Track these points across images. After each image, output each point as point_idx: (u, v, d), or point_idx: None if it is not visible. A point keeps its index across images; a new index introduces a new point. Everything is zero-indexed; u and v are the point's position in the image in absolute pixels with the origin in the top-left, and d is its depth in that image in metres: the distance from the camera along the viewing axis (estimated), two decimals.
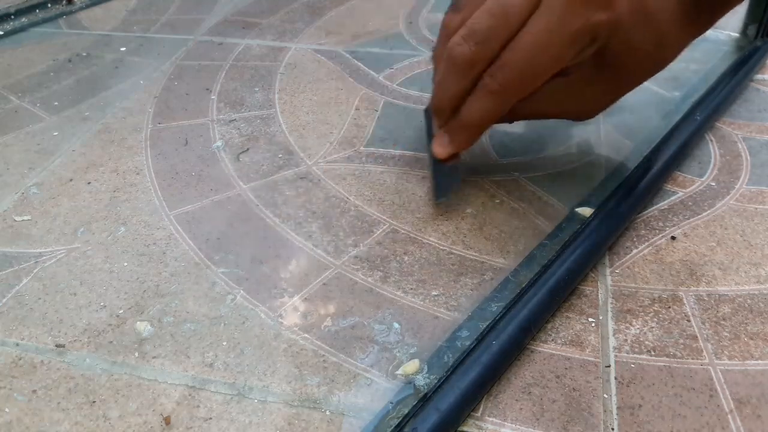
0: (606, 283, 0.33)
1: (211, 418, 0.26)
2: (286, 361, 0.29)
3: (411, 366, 0.28)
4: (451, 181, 0.38)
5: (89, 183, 0.42)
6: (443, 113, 0.35)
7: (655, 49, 0.34)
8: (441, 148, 0.36)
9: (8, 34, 0.65)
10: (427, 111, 0.44)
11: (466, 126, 0.35)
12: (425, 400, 0.26)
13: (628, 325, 0.31)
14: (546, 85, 0.33)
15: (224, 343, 0.30)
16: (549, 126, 0.46)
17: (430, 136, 0.40)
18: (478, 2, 0.32)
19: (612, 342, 0.30)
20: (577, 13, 0.30)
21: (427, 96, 0.47)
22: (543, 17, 0.30)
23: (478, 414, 0.27)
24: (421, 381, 0.27)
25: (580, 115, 0.38)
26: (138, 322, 0.31)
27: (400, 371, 0.28)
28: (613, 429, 0.26)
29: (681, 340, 0.30)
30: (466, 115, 0.34)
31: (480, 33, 0.31)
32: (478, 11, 0.32)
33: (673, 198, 0.39)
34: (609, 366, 0.29)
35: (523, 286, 0.31)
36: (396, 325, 0.31)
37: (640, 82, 0.36)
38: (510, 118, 0.37)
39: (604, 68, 0.34)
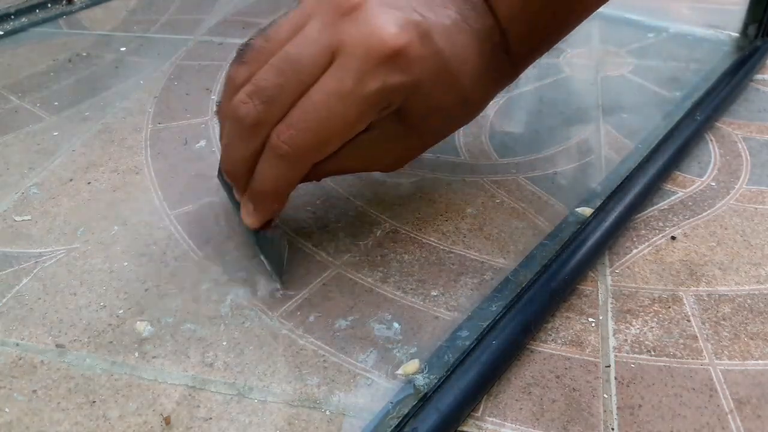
0: (606, 283, 0.33)
1: (211, 418, 0.26)
2: (286, 361, 0.29)
3: (411, 366, 0.28)
4: (279, 253, 0.33)
5: (89, 183, 0.42)
6: (239, 179, 0.32)
7: (458, 107, 0.33)
8: (250, 217, 0.32)
9: (8, 34, 0.65)
10: (219, 174, 0.38)
11: (262, 193, 0.31)
12: (425, 400, 0.26)
13: (628, 325, 0.31)
14: (348, 143, 0.31)
15: (224, 343, 0.30)
16: (549, 126, 0.46)
17: (235, 203, 0.35)
18: (266, 55, 0.29)
19: (612, 342, 0.30)
20: (372, 75, 0.28)
21: None
22: (335, 77, 0.28)
23: (478, 414, 0.27)
24: (421, 381, 0.27)
25: (387, 168, 0.35)
26: (138, 322, 0.31)
27: (400, 371, 0.28)
28: (613, 429, 0.26)
29: (681, 340, 0.30)
30: (259, 182, 0.30)
31: (267, 90, 0.28)
32: (265, 66, 0.29)
33: (673, 198, 0.39)
34: (609, 366, 0.29)
35: (523, 286, 0.31)
36: (396, 325, 0.31)
37: (446, 136, 0.35)
38: (312, 178, 0.33)
39: (407, 126, 0.32)
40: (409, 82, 0.29)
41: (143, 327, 0.31)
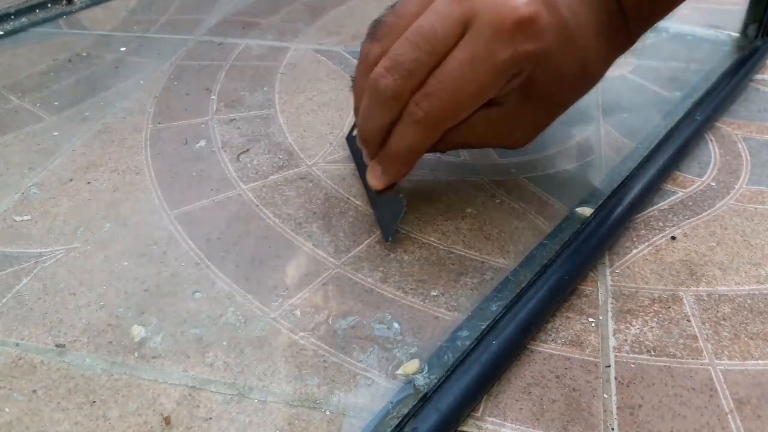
0: (606, 283, 0.33)
1: (211, 418, 0.26)
2: (286, 361, 0.29)
3: (411, 366, 0.28)
4: (394, 214, 0.35)
5: (89, 183, 0.42)
6: (372, 145, 0.34)
7: (581, 75, 0.34)
8: (376, 179, 0.35)
9: (8, 34, 0.65)
10: (349, 139, 0.44)
11: (395, 156, 0.33)
12: (425, 400, 0.26)
13: (628, 325, 0.31)
14: (475, 116, 0.33)
15: (224, 343, 0.30)
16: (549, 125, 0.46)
17: (360, 166, 0.39)
18: (398, 31, 0.31)
19: (612, 342, 0.30)
20: (505, 43, 0.29)
21: None
22: (469, 46, 0.30)
23: (478, 414, 0.27)
24: (421, 381, 0.27)
25: (515, 143, 0.37)
26: (137, 322, 0.31)
27: (400, 371, 0.28)
28: (613, 429, 0.26)
29: (681, 340, 0.30)
30: (394, 145, 0.33)
31: (404, 65, 0.30)
32: (399, 41, 0.31)
33: (673, 198, 0.39)
34: (609, 366, 0.29)
35: (523, 286, 0.31)
36: (396, 325, 0.31)
37: (568, 107, 0.36)
38: (441, 148, 0.36)
39: (533, 98, 0.34)
40: (537, 50, 0.30)
41: (143, 327, 0.31)
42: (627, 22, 0.34)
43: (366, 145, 0.35)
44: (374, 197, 0.37)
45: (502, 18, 0.29)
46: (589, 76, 0.35)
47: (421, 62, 0.30)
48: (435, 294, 0.32)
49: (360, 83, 0.33)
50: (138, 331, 0.31)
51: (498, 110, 0.34)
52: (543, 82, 0.33)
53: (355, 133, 0.38)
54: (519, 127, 0.35)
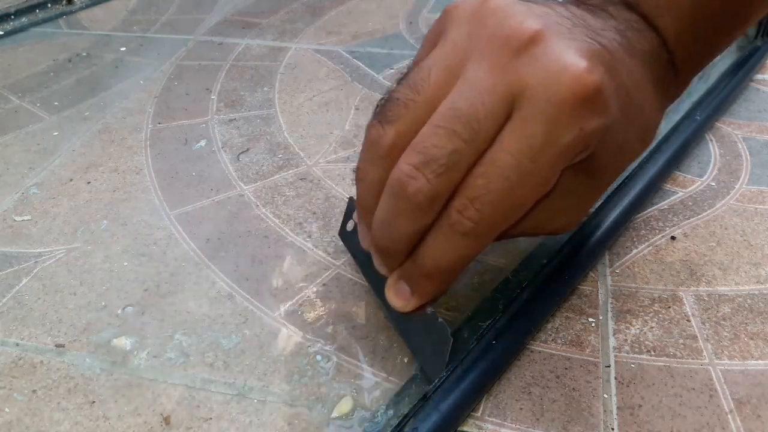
0: (606, 283, 0.33)
1: (211, 418, 0.26)
2: (286, 361, 0.29)
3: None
4: (437, 345, 0.26)
5: (89, 183, 0.42)
6: (392, 257, 0.26)
7: (641, 139, 0.29)
8: (402, 300, 0.27)
9: (8, 34, 0.65)
10: (344, 235, 0.34)
11: (431, 274, 0.26)
12: (425, 400, 0.26)
13: (628, 325, 0.31)
14: None
15: (224, 343, 0.30)
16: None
17: (366, 267, 0.30)
18: (416, 111, 0.24)
19: (612, 342, 0.30)
20: (569, 123, 0.23)
21: None
22: (522, 131, 0.23)
23: (478, 414, 0.27)
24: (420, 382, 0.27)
25: (561, 228, 0.30)
26: (138, 322, 0.31)
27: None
28: (613, 429, 0.26)
29: (681, 340, 0.30)
30: (431, 261, 0.25)
31: (440, 159, 0.23)
32: (429, 127, 0.23)
33: (673, 198, 0.39)
34: (609, 366, 0.29)
35: (523, 286, 0.31)
36: None
37: (622, 172, 0.31)
38: None
39: (589, 174, 0.27)
40: (605, 124, 0.24)
41: (143, 327, 0.31)
42: (677, 71, 0.29)
43: (384, 255, 0.27)
44: (398, 320, 0.29)
45: (563, 91, 0.22)
46: (648, 136, 0.29)
47: (461, 154, 0.23)
48: None
49: (369, 173, 0.26)
50: (138, 331, 0.31)
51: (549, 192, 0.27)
52: (603, 158, 0.27)
53: (350, 227, 0.32)
54: (571, 207, 0.29)
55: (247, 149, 0.45)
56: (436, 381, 0.26)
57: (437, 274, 0.26)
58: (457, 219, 0.24)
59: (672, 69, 0.29)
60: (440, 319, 0.26)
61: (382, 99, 0.26)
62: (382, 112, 0.25)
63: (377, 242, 0.26)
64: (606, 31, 0.26)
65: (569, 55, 0.23)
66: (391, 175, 0.24)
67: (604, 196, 0.37)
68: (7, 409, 0.27)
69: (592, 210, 0.31)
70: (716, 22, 0.29)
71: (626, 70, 0.26)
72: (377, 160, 0.25)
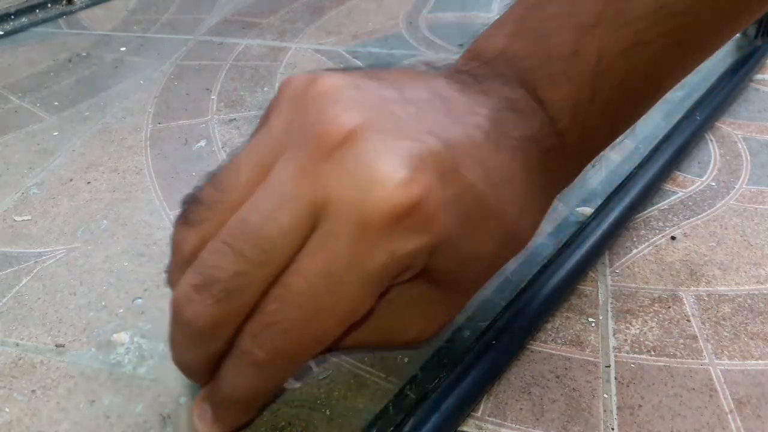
0: (606, 283, 0.33)
1: None
2: None
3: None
4: None
5: (89, 183, 0.42)
6: (197, 377, 0.24)
7: (505, 244, 0.24)
8: (205, 425, 0.24)
9: (8, 34, 0.65)
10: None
11: (230, 403, 0.23)
12: (425, 400, 0.26)
13: (628, 325, 0.31)
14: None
15: None
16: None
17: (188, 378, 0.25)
18: (221, 212, 0.21)
19: (612, 342, 0.30)
20: (375, 245, 0.19)
21: None
22: (323, 252, 0.19)
23: (478, 414, 0.27)
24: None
25: (414, 340, 0.25)
26: (138, 322, 0.31)
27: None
28: (613, 429, 0.26)
29: (681, 340, 0.30)
30: (227, 389, 0.22)
31: (220, 283, 0.20)
32: (214, 243, 0.20)
33: (673, 198, 0.39)
34: (609, 366, 0.29)
35: (523, 286, 0.31)
36: None
37: (491, 277, 0.25)
38: (313, 357, 0.23)
39: (436, 286, 0.23)
40: (429, 244, 0.20)
41: (143, 327, 0.31)
42: (569, 155, 0.25)
43: (186, 375, 0.24)
44: None
45: (370, 210, 0.19)
46: (517, 239, 0.24)
47: (248, 277, 0.20)
48: None
49: (176, 280, 0.22)
50: (138, 331, 0.31)
51: (388, 303, 0.23)
52: (449, 271, 0.23)
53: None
54: (421, 317, 0.24)
55: None
56: (436, 381, 0.26)
57: (235, 404, 0.23)
58: (249, 347, 0.21)
59: (562, 154, 0.24)
60: None
61: (188, 195, 0.22)
62: (184, 214, 0.22)
63: (174, 360, 0.24)
64: (470, 115, 0.22)
65: (385, 161, 0.19)
66: (173, 294, 0.22)
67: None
68: (7, 409, 0.27)
69: (454, 319, 0.26)
70: (627, 89, 0.24)
71: (482, 169, 0.21)
72: (182, 266, 0.22)
